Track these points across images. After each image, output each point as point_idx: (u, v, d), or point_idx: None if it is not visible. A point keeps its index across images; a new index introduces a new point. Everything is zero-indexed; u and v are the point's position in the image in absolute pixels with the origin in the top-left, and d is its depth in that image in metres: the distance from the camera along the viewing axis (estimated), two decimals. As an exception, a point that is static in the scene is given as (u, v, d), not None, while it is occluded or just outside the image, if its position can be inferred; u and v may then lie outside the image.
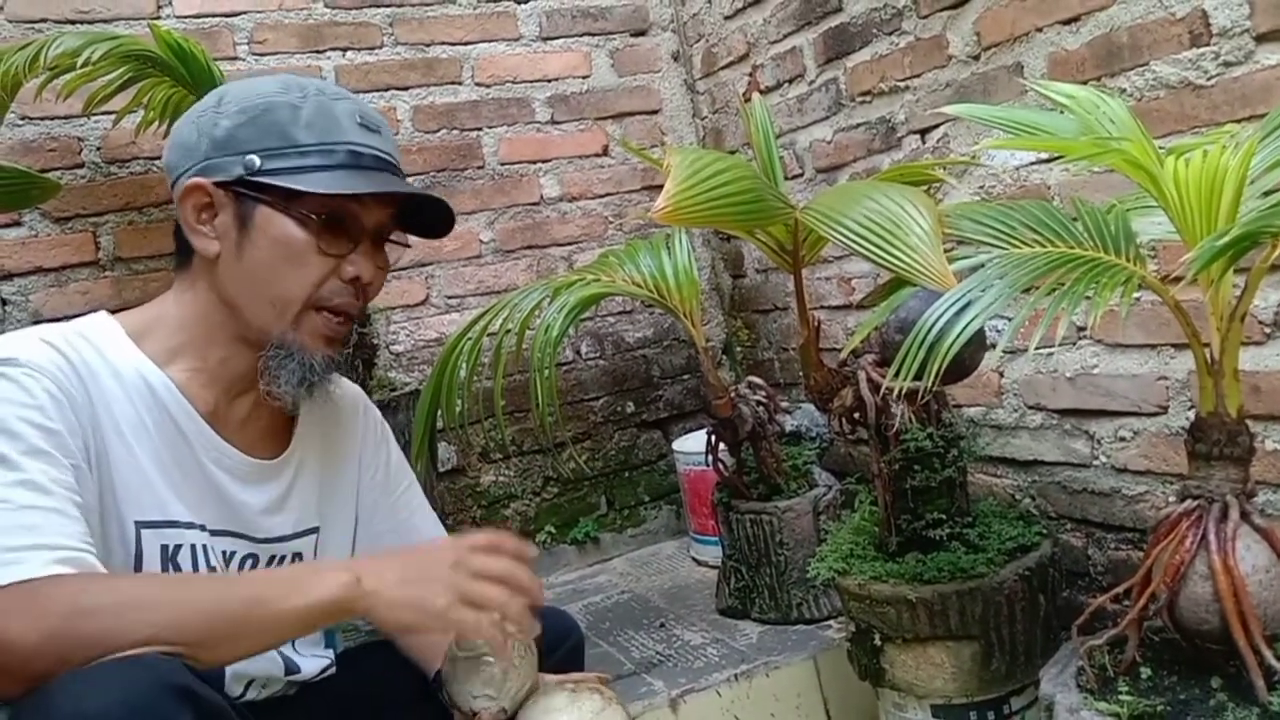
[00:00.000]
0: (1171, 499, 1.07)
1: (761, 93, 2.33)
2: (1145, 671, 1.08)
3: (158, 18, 2.13)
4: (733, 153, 2.50)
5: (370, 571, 0.97)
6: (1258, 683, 0.97)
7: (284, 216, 1.04)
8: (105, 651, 0.84)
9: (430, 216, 1.15)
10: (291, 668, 1.18)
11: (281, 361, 1.06)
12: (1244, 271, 1.00)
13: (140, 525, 1.03)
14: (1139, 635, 1.09)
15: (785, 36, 2.24)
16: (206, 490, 1.09)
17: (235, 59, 2.21)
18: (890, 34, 1.92)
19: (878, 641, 1.45)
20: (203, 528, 1.08)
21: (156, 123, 1.94)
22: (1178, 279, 0.95)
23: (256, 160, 1.03)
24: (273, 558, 1.16)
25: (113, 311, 1.11)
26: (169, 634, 0.87)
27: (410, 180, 1.80)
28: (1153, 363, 1.52)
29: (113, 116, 1.98)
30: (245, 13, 2.23)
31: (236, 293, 1.06)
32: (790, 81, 2.26)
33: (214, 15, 2.20)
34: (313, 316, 1.07)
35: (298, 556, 1.19)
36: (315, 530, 1.21)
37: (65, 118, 2.04)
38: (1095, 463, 1.65)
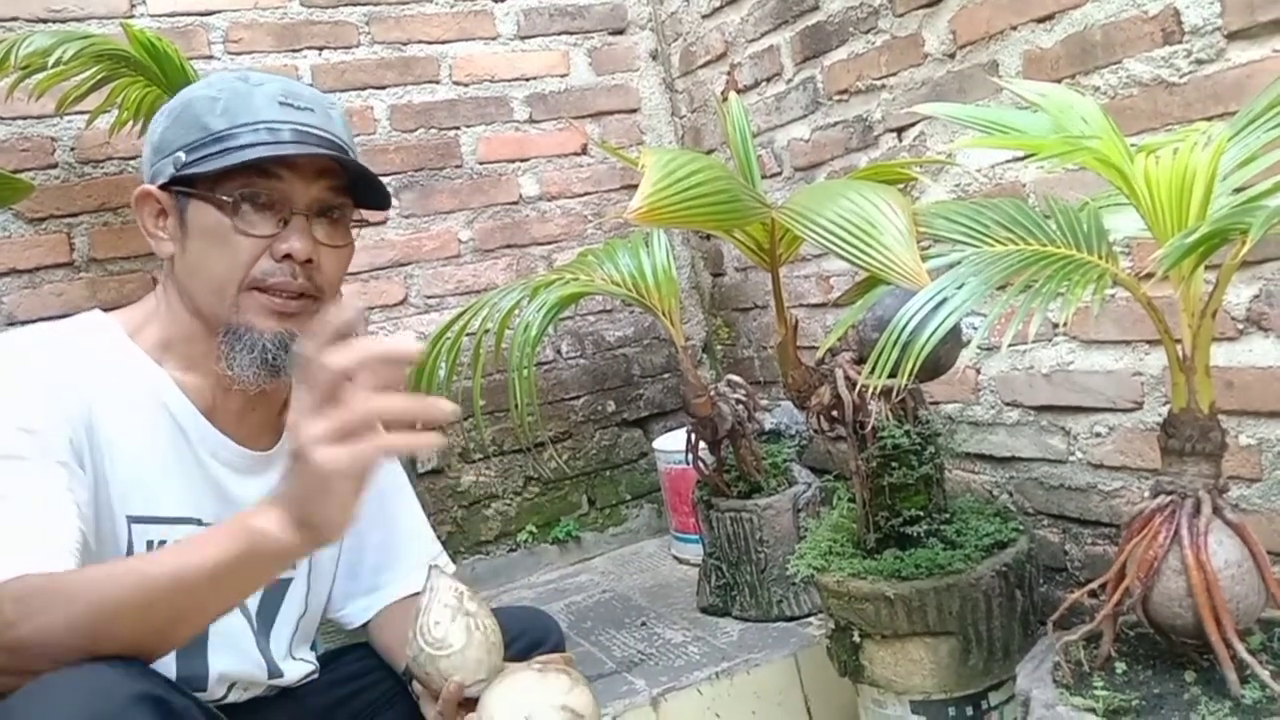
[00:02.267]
0: (1147, 494, 1.08)
1: (739, 91, 2.34)
2: (1120, 666, 1.09)
3: (131, 17, 2.11)
4: (711, 151, 2.50)
5: (272, 500, 0.85)
6: (1230, 676, 0.98)
7: (207, 204, 1.05)
8: (39, 643, 0.81)
9: (375, 187, 1.13)
10: (274, 672, 1.18)
11: (232, 344, 1.06)
12: (1215, 268, 1.01)
13: (131, 520, 1.04)
14: (1114, 630, 1.10)
15: (763, 35, 2.24)
16: (205, 485, 1.10)
17: (210, 58, 2.19)
18: (867, 32, 1.92)
19: (857, 638, 1.45)
20: (199, 522, 1.08)
21: (130, 123, 1.92)
22: (1150, 275, 0.96)
23: (183, 156, 1.05)
24: None
25: (106, 309, 1.12)
26: (87, 621, 0.81)
27: (387, 180, 1.78)
28: (1127, 359, 1.53)
29: (86, 116, 1.97)
30: (220, 11, 2.21)
31: (188, 287, 1.08)
32: (768, 80, 2.26)
33: (188, 14, 2.18)
34: (254, 296, 1.06)
35: None
36: None
37: (38, 117, 2.02)
38: (1071, 458, 1.66)
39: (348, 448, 0.78)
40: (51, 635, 0.81)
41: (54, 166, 2.06)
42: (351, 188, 1.11)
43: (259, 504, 0.84)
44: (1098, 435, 1.61)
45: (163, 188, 1.07)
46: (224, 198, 1.04)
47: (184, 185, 1.05)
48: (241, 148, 1.03)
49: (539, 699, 1.02)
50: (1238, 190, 1.01)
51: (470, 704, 1.07)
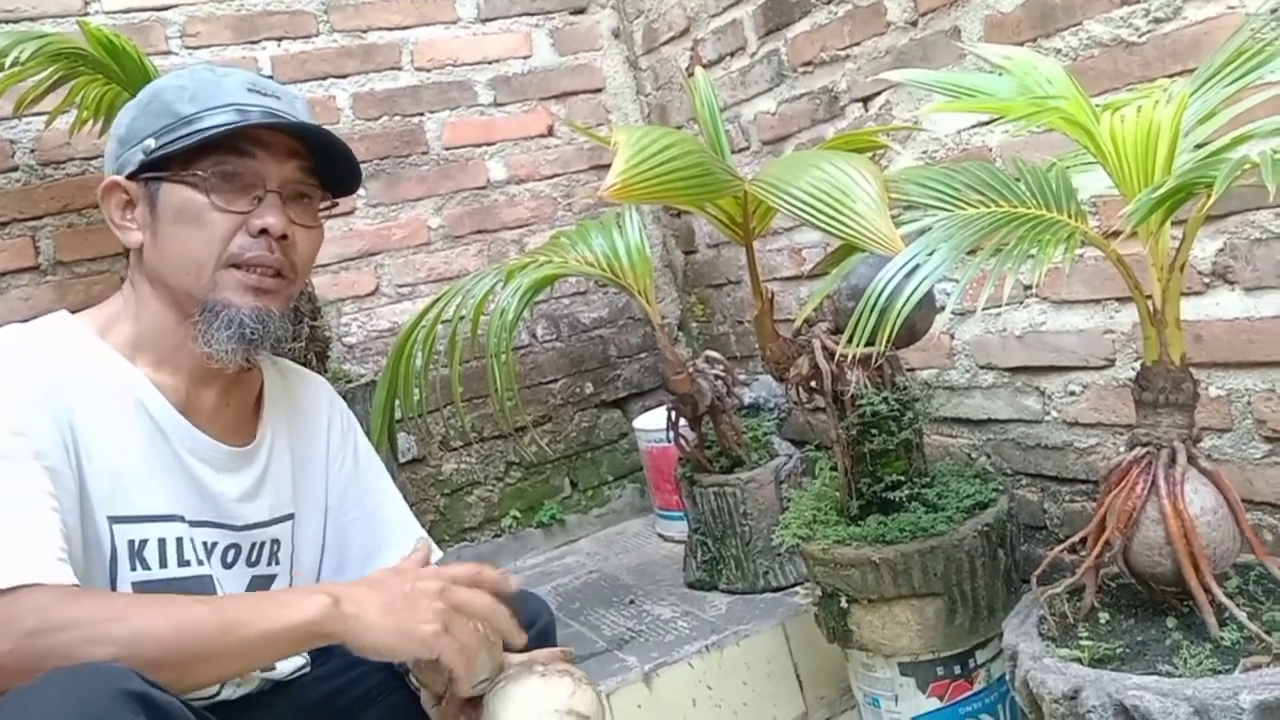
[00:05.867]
0: (1122, 449, 1.10)
1: (704, 67, 2.33)
2: (1104, 616, 1.11)
3: (86, 14, 2.08)
4: (678, 129, 2.50)
5: (350, 597, 0.96)
6: (1209, 620, 1.01)
7: (179, 185, 1.05)
8: (61, 657, 0.83)
9: (344, 170, 1.14)
10: (267, 666, 1.18)
11: (210, 322, 1.06)
12: (1182, 224, 1.03)
13: (112, 521, 1.03)
14: (1096, 582, 1.12)
15: (725, 9, 2.24)
16: (185, 481, 1.09)
17: (168, 53, 2.16)
18: (829, 3, 1.92)
19: (844, 604, 1.47)
20: (182, 519, 1.08)
21: (90, 122, 1.89)
22: (1118, 233, 0.98)
23: (152, 143, 1.06)
24: (254, 545, 1.16)
25: (72, 311, 1.11)
26: (132, 651, 0.86)
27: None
28: (1099, 317, 1.55)
29: (45, 117, 1.94)
30: (176, 5, 2.18)
31: (161, 271, 1.08)
32: (732, 54, 2.26)
33: (144, 9, 2.15)
34: (231, 274, 1.07)
35: (275, 543, 1.19)
36: (290, 517, 1.21)
37: (-5, 121, 2.00)
38: (1047, 418, 1.69)
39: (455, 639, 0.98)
40: (77, 653, 0.84)
41: (14, 170, 2.03)
42: (319, 172, 1.12)
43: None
44: (1072, 394, 1.63)
45: (130, 177, 1.07)
46: (198, 173, 1.05)
47: (154, 170, 1.06)
48: (214, 126, 1.04)
49: (544, 706, 1.03)
50: (1200, 146, 1.03)
51: (472, 702, 1.07)
